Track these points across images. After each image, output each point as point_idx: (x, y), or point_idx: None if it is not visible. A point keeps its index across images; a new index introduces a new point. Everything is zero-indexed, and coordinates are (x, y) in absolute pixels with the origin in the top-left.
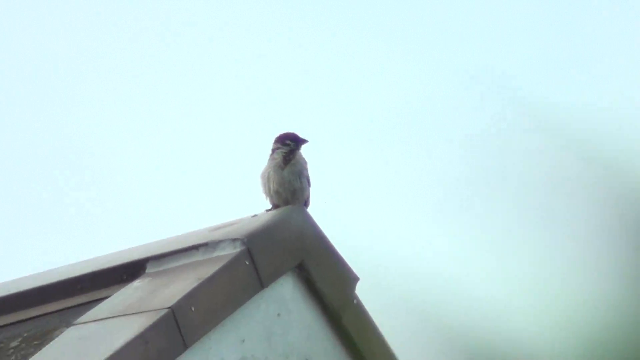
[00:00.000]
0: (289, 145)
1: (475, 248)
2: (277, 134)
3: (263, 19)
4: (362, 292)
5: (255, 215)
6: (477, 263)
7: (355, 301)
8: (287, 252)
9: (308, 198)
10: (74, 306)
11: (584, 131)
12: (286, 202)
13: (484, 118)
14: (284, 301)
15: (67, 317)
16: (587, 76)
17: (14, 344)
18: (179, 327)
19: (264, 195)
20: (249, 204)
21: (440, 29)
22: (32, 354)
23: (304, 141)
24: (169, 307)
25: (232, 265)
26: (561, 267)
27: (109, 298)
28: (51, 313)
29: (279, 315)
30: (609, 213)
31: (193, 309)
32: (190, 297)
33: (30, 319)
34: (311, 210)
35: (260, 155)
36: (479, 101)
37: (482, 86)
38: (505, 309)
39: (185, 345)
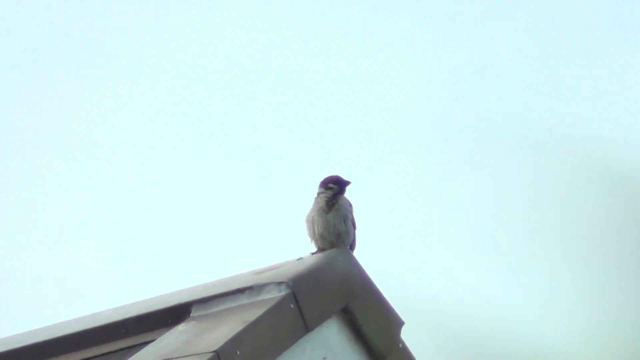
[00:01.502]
0: (332, 189)
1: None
2: (323, 177)
3: (267, 25)
4: (408, 336)
5: (300, 259)
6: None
7: (400, 345)
8: (333, 296)
9: (354, 241)
10: (119, 350)
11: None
12: (331, 245)
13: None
14: (330, 345)
15: None
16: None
17: None
18: None
19: (309, 239)
20: (295, 247)
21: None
22: None
23: (347, 183)
24: (215, 351)
25: (277, 308)
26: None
27: (154, 342)
28: (96, 357)
29: (324, 359)
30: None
31: (238, 352)
32: (235, 341)
33: None
34: (357, 253)
35: (307, 198)
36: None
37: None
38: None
39: None
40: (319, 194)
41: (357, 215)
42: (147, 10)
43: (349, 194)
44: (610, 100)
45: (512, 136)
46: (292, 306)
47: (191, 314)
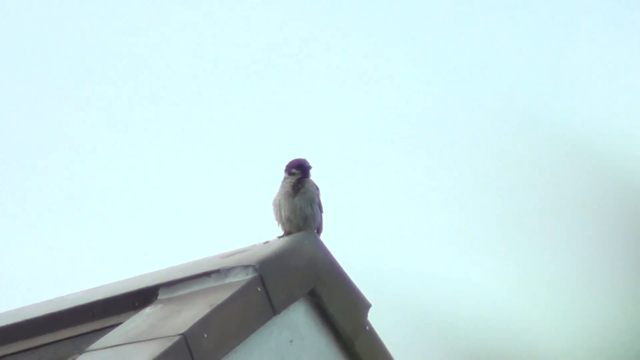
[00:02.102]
0: (294, 175)
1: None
2: (289, 160)
3: (272, 25)
4: (374, 317)
5: (267, 242)
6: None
7: (367, 327)
8: (299, 279)
9: (320, 224)
10: (87, 333)
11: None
12: (298, 229)
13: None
14: (297, 328)
15: (80, 344)
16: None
17: None
18: (192, 353)
19: (276, 222)
20: (261, 230)
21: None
22: None
23: (309, 167)
24: (182, 334)
25: (244, 291)
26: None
27: (121, 325)
28: (64, 340)
29: (291, 341)
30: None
31: (205, 335)
32: (202, 324)
33: (42, 345)
34: (323, 236)
35: (273, 181)
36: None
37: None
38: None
39: None
40: (284, 178)
41: (325, 198)
42: (146, 9)
43: (314, 176)
44: (612, 96)
45: (511, 133)
46: (259, 289)
47: (158, 297)
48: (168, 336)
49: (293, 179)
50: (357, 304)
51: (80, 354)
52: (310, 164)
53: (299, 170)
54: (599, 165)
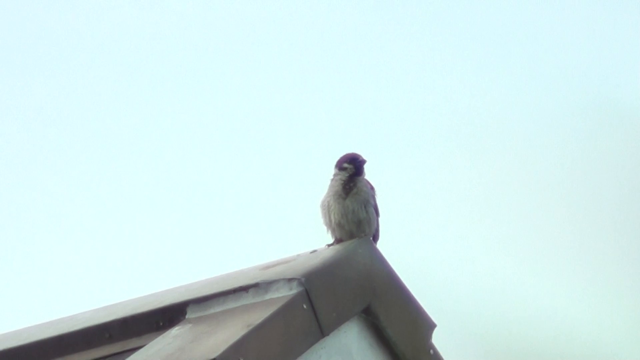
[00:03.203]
0: (346, 170)
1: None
2: (340, 156)
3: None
4: (440, 340)
5: (314, 251)
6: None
7: (432, 351)
8: (352, 294)
9: (377, 230)
10: (101, 357)
11: None
12: (350, 236)
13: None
14: (349, 352)
15: None
16: None
17: None
18: None
19: (324, 228)
20: (308, 238)
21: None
22: None
23: (363, 161)
24: (214, 359)
25: (287, 309)
26: None
27: (143, 348)
28: None
29: None
30: None
31: None
32: (238, 348)
33: None
34: (380, 244)
35: (321, 180)
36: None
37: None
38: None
39: None
40: (334, 175)
41: (382, 200)
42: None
43: (370, 175)
44: None
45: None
46: (304, 306)
47: (186, 316)
48: None
49: (344, 176)
50: (420, 324)
51: None
52: (365, 158)
53: (351, 165)
54: None
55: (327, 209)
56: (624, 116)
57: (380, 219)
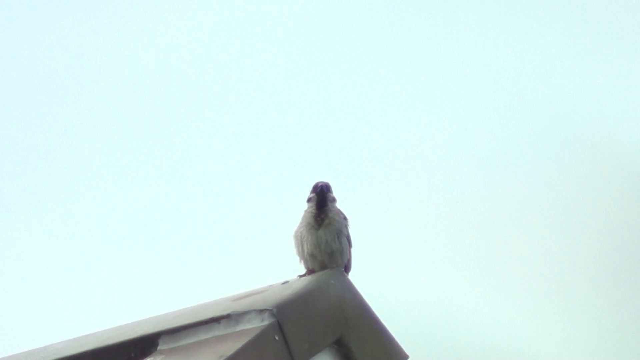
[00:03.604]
0: (311, 200)
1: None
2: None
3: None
4: None
5: (286, 282)
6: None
7: None
8: (324, 325)
9: (349, 261)
10: None
11: None
12: (323, 266)
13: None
14: None
15: None
16: None
17: None
18: None
19: (297, 258)
20: (279, 269)
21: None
22: None
23: (326, 191)
24: None
25: (259, 340)
26: None
27: None
28: None
29: None
30: None
31: None
32: None
33: None
34: (352, 275)
35: (295, 210)
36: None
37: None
38: None
39: None
40: (308, 207)
41: (355, 231)
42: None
43: (343, 205)
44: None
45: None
46: (276, 338)
47: (158, 347)
48: None
49: (312, 207)
50: (392, 355)
51: None
52: (329, 184)
53: (314, 195)
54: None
55: (300, 240)
56: (591, 146)
57: (352, 250)
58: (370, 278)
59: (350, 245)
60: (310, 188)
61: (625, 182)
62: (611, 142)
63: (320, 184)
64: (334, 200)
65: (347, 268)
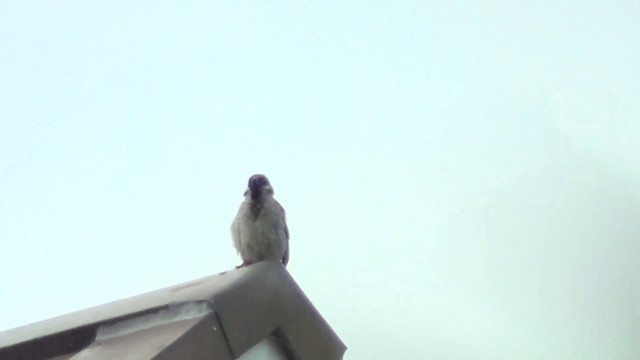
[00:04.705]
0: (246, 193)
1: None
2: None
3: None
4: None
5: (223, 273)
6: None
7: None
8: (262, 316)
9: (286, 252)
10: None
11: None
12: (260, 258)
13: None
14: None
15: None
16: None
17: None
18: None
19: (234, 249)
20: (217, 260)
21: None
22: None
23: (259, 184)
24: None
25: (196, 331)
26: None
27: None
28: None
29: None
30: None
31: None
32: None
33: None
34: (289, 266)
35: (233, 201)
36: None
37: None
38: None
39: None
40: (245, 197)
41: (292, 222)
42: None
43: (280, 197)
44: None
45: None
46: (214, 329)
47: (96, 338)
48: None
49: (249, 199)
50: (330, 346)
51: None
52: (264, 176)
53: (248, 188)
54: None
55: (237, 231)
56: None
57: (289, 241)
58: (308, 269)
59: (287, 236)
60: (246, 177)
61: (618, 187)
62: (601, 151)
63: (253, 178)
64: (270, 191)
65: (284, 259)
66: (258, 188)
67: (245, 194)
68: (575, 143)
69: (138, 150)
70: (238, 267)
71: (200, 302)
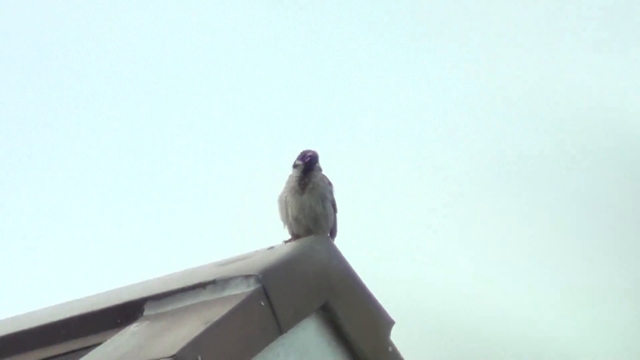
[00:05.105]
0: (297, 167)
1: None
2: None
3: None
4: (399, 337)
5: (271, 247)
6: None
7: (390, 348)
8: (310, 291)
9: (334, 226)
10: (57, 355)
11: None
12: (308, 232)
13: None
14: (307, 349)
15: None
16: None
17: None
18: None
19: (281, 223)
20: (265, 234)
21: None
22: None
23: (313, 158)
24: (172, 356)
25: (245, 306)
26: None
27: (100, 346)
28: None
29: None
30: None
31: (200, 358)
32: (196, 345)
33: None
34: (337, 240)
35: (280, 175)
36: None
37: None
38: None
39: None
40: (294, 170)
41: (341, 196)
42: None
43: (328, 171)
44: None
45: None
46: (262, 303)
47: (144, 313)
48: (156, 359)
49: (298, 173)
50: (378, 321)
51: None
52: (318, 154)
53: (301, 162)
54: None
55: (284, 204)
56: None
57: (337, 215)
58: (357, 244)
59: (335, 210)
60: (297, 154)
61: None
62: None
63: (309, 154)
64: (320, 170)
65: (332, 233)
66: (312, 166)
67: (295, 166)
68: (575, 143)
69: (138, 150)
70: (286, 242)
71: (248, 276)
